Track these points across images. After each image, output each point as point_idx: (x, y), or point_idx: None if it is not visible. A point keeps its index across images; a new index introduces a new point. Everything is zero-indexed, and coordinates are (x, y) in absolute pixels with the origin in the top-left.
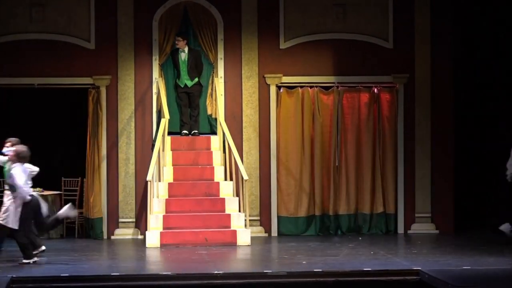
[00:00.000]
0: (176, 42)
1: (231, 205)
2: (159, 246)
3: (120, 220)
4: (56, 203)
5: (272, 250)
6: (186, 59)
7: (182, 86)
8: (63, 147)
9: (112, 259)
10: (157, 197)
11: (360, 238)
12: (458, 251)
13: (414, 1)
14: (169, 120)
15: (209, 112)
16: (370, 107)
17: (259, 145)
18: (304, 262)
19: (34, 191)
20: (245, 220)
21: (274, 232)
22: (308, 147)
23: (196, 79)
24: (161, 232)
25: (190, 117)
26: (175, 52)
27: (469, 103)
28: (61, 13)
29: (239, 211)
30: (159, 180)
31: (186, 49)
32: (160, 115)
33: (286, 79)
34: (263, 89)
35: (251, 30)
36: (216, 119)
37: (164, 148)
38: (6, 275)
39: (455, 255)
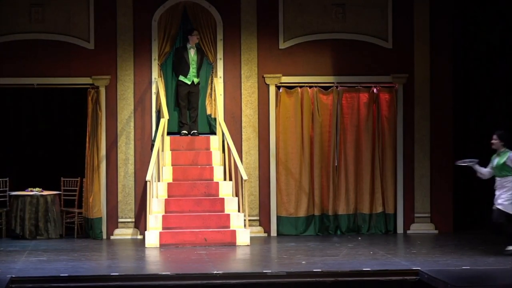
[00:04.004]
0: (194, 38)
1: (231, 205)
2: (158, 246)
3: (120, 220)
4: (56, 203)
5: (272, 250)
6: (196, 56)
7: (189, 83)
8: (63, 147)
9: (112, 259)
10: (157, 197)
11: (359, 238)
12: (458, 251)
13: (413, 1)
14: (168, 120)
15: (208, 112)
16: (369, 107)
17: (259, 145)
18: (303, 262)
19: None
20: (245, 220)
21: (274, 232)
22: (308, 147)
23: (199, 79)
24: (160, 232)
25: (189, 117)
26: (182, 49)
27: (468, 103)
28: (60, 13)
29: (239, 211)
30: (159, 180)
31: (195, 46)
32: (159, 115)
33: (285, 79)
34: (263, 89)
35: (250, 30)
36: (215, 119)
37: (163, 148)
38: (5, 275)
39: (455, 255)
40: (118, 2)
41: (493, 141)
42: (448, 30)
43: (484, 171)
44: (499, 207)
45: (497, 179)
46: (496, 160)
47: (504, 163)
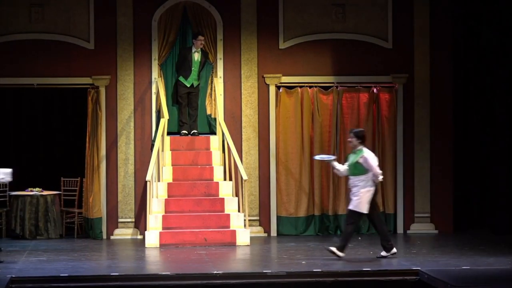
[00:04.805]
0: (199, 42)
1: (231, 205)
2: (158, 246)
3: (120, 220)
4: (56, 203)
5: (272, 250)
6: (199, 60)
7: (189, 86)
8: (63, 147)
9: (112, 259)
10: (157, 197)
11: (359, 238)
12: (458, 251)
13: (413, 1)
14: (168, 120)
15: (208, 112)
16: (369, 107)
17: (259, 145)
18: (303, 262)
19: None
20: (245, 220)
21: (274, 232)
22: (308, 147)
23: (199, 81)
24: (160, 232)
25: (189, 117)
26: (187, 50)
27: (468, 103)
28: (60, 13)
29: (239, 211)
30: (159, 180)
31: (199, 50)
32: (159, 115)
33: (285, 79)
34: (263, 89)
35: (250, 30)
36: (215, 119)
37: (163, 148)
38: (5, 275)
39: (455, 255)
40: (118, 2)
41: (349, 139)
42: (448, 30)
43: (341, 168)
44: (351, 207)
45: (350, 177)
46: (351, 158)
47: (357, 161)
